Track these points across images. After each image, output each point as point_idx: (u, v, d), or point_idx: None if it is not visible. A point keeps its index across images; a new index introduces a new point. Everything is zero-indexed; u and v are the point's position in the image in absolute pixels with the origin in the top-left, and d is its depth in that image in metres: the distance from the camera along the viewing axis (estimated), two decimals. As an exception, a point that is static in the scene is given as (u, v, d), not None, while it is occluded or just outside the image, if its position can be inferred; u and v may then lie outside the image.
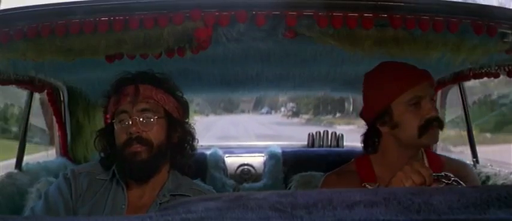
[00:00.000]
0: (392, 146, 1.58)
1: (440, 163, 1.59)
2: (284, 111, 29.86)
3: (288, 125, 20.23)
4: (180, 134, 1.56)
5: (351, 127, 14.06)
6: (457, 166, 1.62)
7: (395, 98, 1.54)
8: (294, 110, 28.17)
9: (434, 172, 1.33)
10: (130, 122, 1.48)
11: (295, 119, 25.10)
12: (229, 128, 17.43)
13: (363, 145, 1.68)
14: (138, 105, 1.49)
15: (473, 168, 2.24)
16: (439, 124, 1.54)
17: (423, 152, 1.63)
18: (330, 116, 22.08)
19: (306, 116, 25.23)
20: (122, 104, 1.50)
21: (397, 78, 1.55)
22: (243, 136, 15.00)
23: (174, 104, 1.56)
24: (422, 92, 1.52)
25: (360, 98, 1.75)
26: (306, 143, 3.30)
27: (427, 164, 1.57)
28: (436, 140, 1.57)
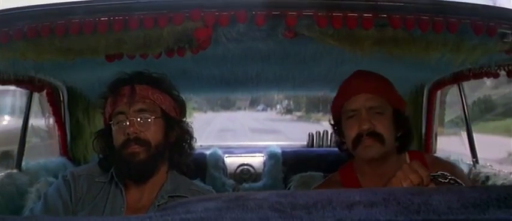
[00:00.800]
0: None
1: (426, 166, 1.60)
2: (279, 108, 31.30)
3: (279, 121, 22.02)
4: (177, 133, 1.56)
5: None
6: (445, 167, 1.63)
7: (339, 111, 1.60)
8: (288, 108, 29.60)
9: (431, 173, 1.33)
10: (128, 123, 1.48)
11: (288, 116, 27.06)
12: (227, 123, 18.80)
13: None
14: (134, 105, 1.49)
15: (473, 168, 2.24)
16: (375, 138, 1.52)
17: (407, 156, 1.64)
18: (319, 114, 23.78)
19: (298, 114, 27.09)
20: (118, 105, 1.50)
21: (340, 91, 1.63)
22: (239, 129, 16.47)
23: (171, 104, 1.56)
24: (356, 105, 1.55)
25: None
26: (305, 143, 3.30)
27: None
28: (373, 154, 1.54)
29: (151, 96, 1.51)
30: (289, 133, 14.47)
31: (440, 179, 1.32)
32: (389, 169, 1.56)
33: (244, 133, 14.65)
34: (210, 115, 23.77)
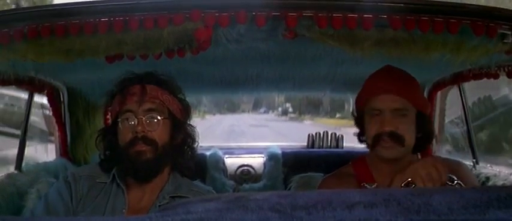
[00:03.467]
0: None
1: None
2: (280, 110, 36.33)
3: (273, 121, 28.01)
4: (183, 135, 1.57)
5: (310, 121, 25.18)
6: (453, 166, 1.63)
7: (363, 105, 1.59)
8: (284, 110, 34.89)
9: None
10: (136, 122, 1.48)
11: (283, 117, 33.10)
12: (234, 122, 24.35)
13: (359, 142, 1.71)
14: (144, 104, 1.49)
15: (473, 169, 2.24)
16: (395, 139, 1.52)
17: (418, 154, 1.64)
18: (308, 115, 29.41)
19: (291, 115, 33.02)
20: (127, 103, 1.50)
21: (367, 86, 1.60)
22: (242, 125, 22.48)
23: (178, 106, 1.56)
24: (381, 105, 1.53)
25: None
26: (305, 143, 3.30)
27: None
28: (390, 155, 1.54)
29: (160, 97, 1.52)
30: (274, 128, 20.71)
31: (448, 182, 1.33)
32: (403, 167, 1.57)
33: (245, 128, 20.94)
34: (218, 116, 29.34)
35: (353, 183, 1.59)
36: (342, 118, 20.85)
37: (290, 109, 33.83)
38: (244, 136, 15.78)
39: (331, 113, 24.62)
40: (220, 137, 14.29)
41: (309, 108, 28.65)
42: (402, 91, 1.55)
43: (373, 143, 1.55)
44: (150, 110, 1.50)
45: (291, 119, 30.79)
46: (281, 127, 20.65)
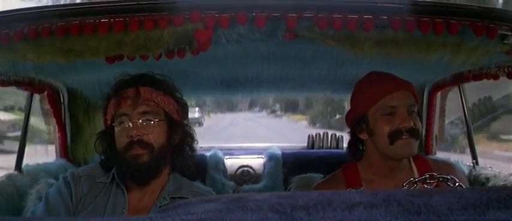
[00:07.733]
0: (375, 153, 1.61)
1: (427, 166, 1.60)
2: (271, 109, 42.32)
3: (262, 118, 34.24)
4: (180, 135, 1.56)
5: (286, 118, 33.52)
6: (444, 167, 1.63)
7: (370, 107, 1.59)
8: (273, 109, 41.17)
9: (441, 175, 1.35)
10: (131, 125, 1.47)
11: (272, 115, 39.77)
12: (232, 119, 30.42)
13: (348, 152, 1.70)
14: (138, 108, 1.48)
15: (473, 169, 2.24)
16: (413, 135, 1.53)
17: (411, 160, 1.64)
18: (288, 113, 35.72)
19: (278, 113, 39.54)
20: (122, 106, 1.50)
21: (372, 88, 1.60)
22: (238, 120, 28.75)
23: (174, 106, 1.56)
24: (397, 102, 1.55)
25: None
26: (305, 144, 3.30)
27: (414, 168, 1.60)
28: (410, 151, 1.56)
29: (155, 99, 1.51)
30: (259, 122, 27.50)
31: (449, 183, 1.34)
32: (396, 172, 1.57)
33: (240, 121, 27.45)
34: (220, 115, 35.32)
35: (341, 187, 1.60)
36: (306, 114, 28.85)
37: (276, 108, 39.65)
38: (238, 125, 23.78)
39: (302, 112, 30.96)
40: (224, 127, 22.14)
41: (289, 107, 35.42)
42: (411, 88, 1.60)
43: (391, 141, 1.54)
44: (144, 112, 1.49)
45: (276, 116, 38.04)
46: (264, 122, 27.90)
